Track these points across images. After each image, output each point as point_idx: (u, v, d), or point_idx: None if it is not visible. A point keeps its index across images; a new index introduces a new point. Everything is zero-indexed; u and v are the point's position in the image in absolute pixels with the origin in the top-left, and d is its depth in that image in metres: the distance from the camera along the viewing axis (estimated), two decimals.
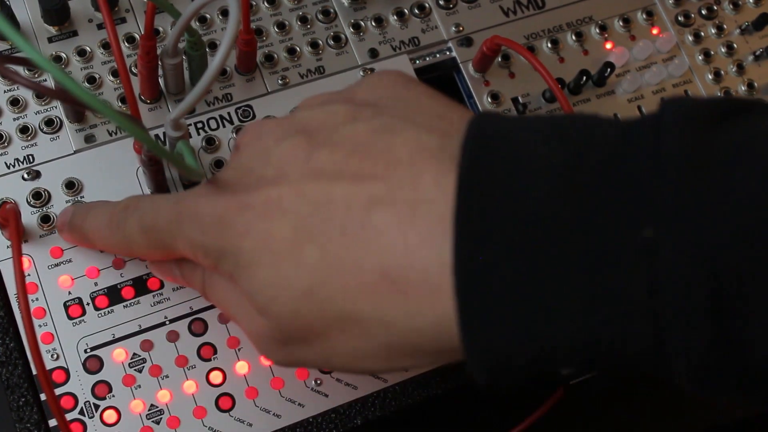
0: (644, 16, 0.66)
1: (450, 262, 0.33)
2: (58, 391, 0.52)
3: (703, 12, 0.67)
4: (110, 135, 0.57)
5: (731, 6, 0.68)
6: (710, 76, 0.65)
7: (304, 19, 0.62)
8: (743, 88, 0.65)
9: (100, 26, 0.59)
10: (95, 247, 0.53)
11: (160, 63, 0.54)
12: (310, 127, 0.39)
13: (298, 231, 0.36)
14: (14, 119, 0.56)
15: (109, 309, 0.54)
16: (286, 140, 0.39)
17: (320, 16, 0.62)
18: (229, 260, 0.39)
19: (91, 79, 0.58)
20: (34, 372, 0.52)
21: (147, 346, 0.53)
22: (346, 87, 0.43)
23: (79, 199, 0.55)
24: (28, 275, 0.53)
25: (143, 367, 0.53)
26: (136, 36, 0.59)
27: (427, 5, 0.63)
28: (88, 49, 0.58)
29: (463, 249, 0.32)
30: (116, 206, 0.48)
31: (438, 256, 0.33)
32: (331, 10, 0.62)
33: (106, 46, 0.59)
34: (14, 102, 0.57)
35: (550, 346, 0.32)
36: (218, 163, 0.57)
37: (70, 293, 0.54)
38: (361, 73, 0.61)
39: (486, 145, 0.34)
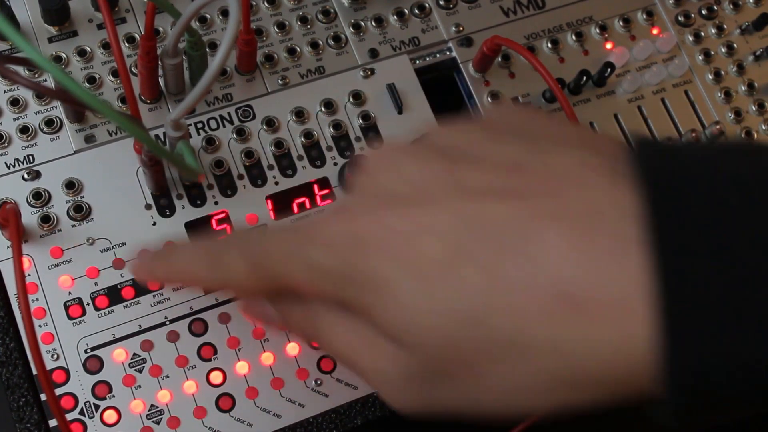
0: (644, 16, 0.66)
1: (644, 278, 0.30)
2: (58, 392, 0.52)
3: (703, 12, 0.67)
4: (110, 135, 0.57)
5: (731, 6, 0.68)
6: (710, 76, 0.65)
7: (304, 19, 0.62)
8: (743, 88, 0.65)
9: (100, 26, 0.59)
10: (182, 284, 0.51)
11: (160, 63, 0.54)
12: (449, 149, 0.36)
13: (452, 251, 0.33)
14: (14, 119, 0.56)
15: (109, 309, 0.54)
16: (427, 161, 0.36)
17: (320, 16, 0.62)
18: (361, 285, 0.35)
19: (91, 79, 0.58)
20: (35, 372, 0.52)
21: (147, 346, 0.53)
22: (479, 116, 0.40)
23: (79, 199, 0.55)
24: (28, 275, 0.53)
25: (143, 367, 0.53)
26: (136, 36, 0.59)
27: (427, 5, 0.63)
28: (88, 49, 0.58)
29: (667, 263, 0.30)
30: (213, 241, 0.45)
31: (626, 273, 0.30)
32: (331, 10, 0.62)
33: (106, 46, 0.59)
34: (14, 102, 0.57)
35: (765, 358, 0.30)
36: (218, 163, 0.57)
37: (70, 293, 0.54)
38: (362, 73, 0.61)
39: (667, 158, 0.32)
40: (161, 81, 0.57)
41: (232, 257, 0.40)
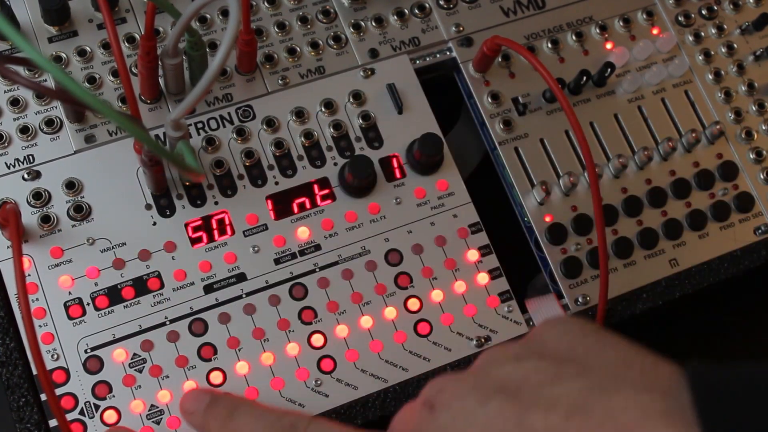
0: (644, 16, 0.66)
1: None
2: (58, 392, 0.52)
3: (703, 12, 0.67)
4: (110, 135, 0.57)
5: (731, 6, 0.68)
6: (710, 76, 0.65)
7: (304, 19, 0.62)
8: (743, 88, 0.65)
9: (100, 26, 0.59)
10: None
11: (160, 63, 0.54)
12: (511, 385, 0.37)
13: None
14: (14, 119, 0.56)
15: (109, 309, 0.54)
16: (490, 401, 0.37)
17: (320, 16, 0.62)
18: None
19: (91, 79, 0.58)
20: (35, 372, 0.52)
21: (147, 346, 0.53)
22: (529, 336, 0.41)
23: (79, 199, 0.55)
24: (29, 275, 0.53)
25: (143, 367, 0.53)
26: (137, 36, 0.59)
27: (427, 5, 0.63)
28: (88, 49, 0.58)
29: None
30: (279, 420, 0.47)
31: None
32: (331, 10, 0.62)
33: (106, 46, 0.59)
34: (14, 102, 0.57)
35: None
36: (218, 163, 0.57)
37: (70, 293, 0.54)
38: (362, 73, 0.61)
39: (724, 401, 0.33)
40: (161, 81, 0.57)
41: None
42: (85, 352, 0.53)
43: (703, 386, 0.34)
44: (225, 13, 0.61)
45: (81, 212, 0.55)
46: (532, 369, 0.37)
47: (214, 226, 0.56)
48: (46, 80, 0.57)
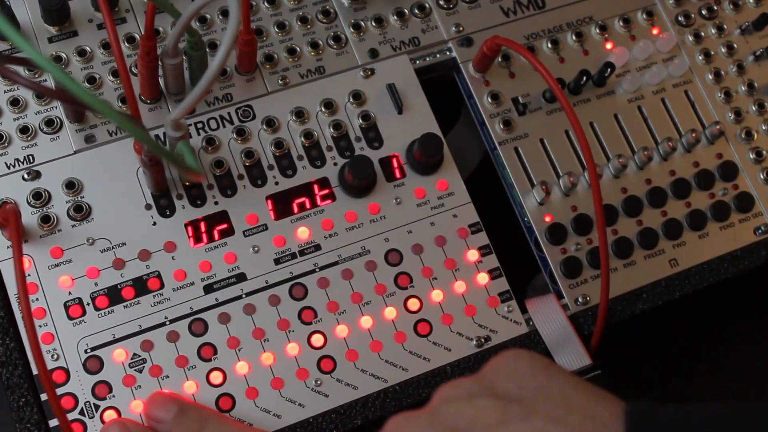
0: (644, 16, 0.66)
1: None
2: (58, 392, 0.52)
3: (703, 12, 0.67)
4: (110, 135, 0.57)
5: (731, 6, 0.68)
6: (710, 76, 0.65)
7: (304, 19, 0.62)
8: (743, 88, 0.65)
9: (100, 26, 0.59)
10: None
11: (160, 63, 0.54)
12: (462, 425, 0.39)
13: None
14: (14, 119, 0.56)
15: (109, 309, 0.54)
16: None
17: (320, 16, 0.62)
18: None
19: (91, 79, 0.58)
20: (35, 372, 0.52)
21: (147, 346, 0.53)
22: (482, 371, 0.43)
23: (79, 199, 0.55)
24: (29, 275, 0.53)
25: (143, 367, 0.53)
26: (136, 36, 0.59)
27: (427, 5, 0.63)
28: (88, 49, 0.58)
29: None
30: None
31: None
32: (331, 10, 0.62)
33: (106, 46, 0.59)
34: (14, 102, 0.57)
35: None
36: (218, 163, 0.57)
37: (70, 293, 0.54)
38: (362, 73, 0.61)
39: None
40: (161, 81, 0.57)
41: None
42: (85, 352, 0.53)
43: (638, 424, 0.36)
44: (225, 13, 0.61)
45: (81, 212, 0.55)
46: (482, 408, 0.39)
47: (203, 229, 0.56)
48: (46, 80, 0.57)
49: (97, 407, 0.52)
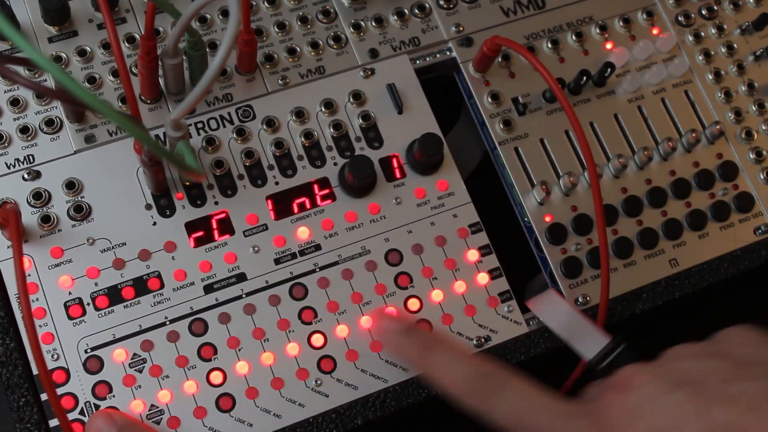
0: (644, 16, 0.66)
1: None
2: (58, 392, 0.52)
3: (703, 12, 0.67)
4: (110, 135, 0.57)
5: (731, 6, 0.68)
6: (710, 76, 0.65)
7: (304, 19, 0.62)
8: (743, 88, 0.65)
9: (100, 26, 0.59)
10: (427, 377, 0.52)
11: (160, 63, 0.54)
12: (694, 380, 0.41)
13: None
14: (14, 119, 0.56)
15: (109, 309, 0.54)
16: (675, 392, 0.41)
17: (320, 16, 0.62)
18: None
19: (91, 79, 0.58)
20: (35, 372, 0.52)
21: (147, 346, 0.53)
22: (715, 338, 0.45)
23: (79, 199, 0.55)
24: (29, 275, 0.53)
25: (143, 367, 0.53)
26: (136, 36, 0.59)
27: (427, 5, 0.63)
28: (88, 49, 0.58)
29: None
30: (477, 367, 0.49)
31: None
32: (331, 10, 0.62)
33: (106, 46, 0.59)
34: (14, 102, 0.57)
35: None
36: (218, 163, 0.57)
37: (70, 293, 0.54)
38: (362, 73, 0.61)
39: None
40: (161, 81, 0.57)
41: (500, 402, 0.46)
42: (85, 352, 0.53)
43: None
44: (225, 13, 0.61)
45: (81, 212, 0.55)
46: (715, 367, 0.42)
47: (214, 226, 0.56)
48: (46, 80, 0.57)
49: (97, 407, 0.52)
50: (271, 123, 0.59)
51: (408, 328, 0.52)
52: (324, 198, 0.58)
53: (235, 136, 0.58)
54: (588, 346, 0.54)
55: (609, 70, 0.62)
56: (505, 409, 0.47)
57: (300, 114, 0.59)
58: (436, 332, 0.53)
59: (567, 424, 0.45)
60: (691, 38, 0.66)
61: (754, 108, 0.65)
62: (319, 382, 0.54)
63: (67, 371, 0.52)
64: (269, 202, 0.57)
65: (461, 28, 0.63)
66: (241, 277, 0.55)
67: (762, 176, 0.63)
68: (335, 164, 0.59)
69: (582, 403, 0.47)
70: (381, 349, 0.55)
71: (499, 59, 0.62)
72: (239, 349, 0.54)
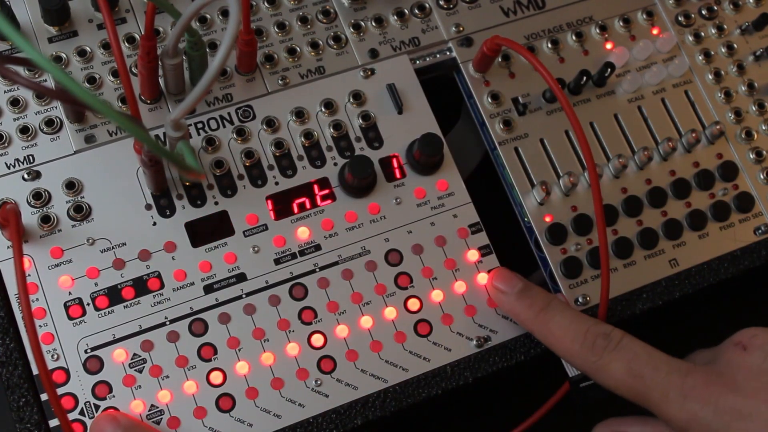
0: (644, 16, 0.66)
1: None
2: (58, 392, 0.52)
3: (703, 12, 0.67)
4: (110, 135, 0.57)
5: (731, 6, 0.68)
6: (710, 76, 0.65)
7: (304, 19, 0.62)
8: (743, 88, 0.65)
9: (100, 26, 0.59)
10: (538, 335, 0.54)
11: (160, 63, 0.54)
12: None
13: None
14: (14, 119, 0.56)
15: (109, 309, 0.54)
16: None
17: (320, 16, 0.62)
18: None
19: (91, 80, 0.58)
20: (35, 372, 0.52)
21: (147, 346, 0.53)
22: None
23: (79, 199, 0.55)
24: (29, 275, 0.53)
25: (143, 367, 0.53)
26: (136, 36, 0.59)
27: (427, 5, 0.63)
28: (88, 49, 0.58)
29: None
30: (593, 326, 0.51)
31: None
32: (331, 10, 0.62)
33: (106, 46, 0.59)
34: (14, 102, 0.57)
35: None
36: (218, 163, 0.57)
37: (70, 293, 0.54)
38: (362, 73, 0.61)
39: None
40: (161, 81, 0.57)
41: (613, 360, 0.49)
42: (85, 352, 0.53)
43: None
44: (225, 13, 0.61)
45: (81, 212, 0.55)
46: None
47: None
48: (46, 80, 0.57)
49: (97, 407, 0.52)
50: (271, 123, 0.59)
51: (522, 289, 0.54)
52: (324, 198, 0.58)
53: (235, 136, 0.58)
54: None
55: (609, 70, 0.62)
56: (619, 366, 0.49)
57: (300, 114, 0.59)
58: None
59: (685, 380, 0.48)
60: (691, 38, 0.66)
61: (754, 108, 0.65)
62: (319, 382, 0.54)
63: (67, 371, 0.52)
64: (269, 202, 0.57)
65: (461, 28, 0.63)
66: (241, 278, 0.55)
67: (762, 176, 0.63)
68: (335, 164, 0.59)
69: (697, 363, 0.50)
70: (381, 349, 0.55)
71: (499, 59, 0.62)
72: (239, 349, 0.54)
